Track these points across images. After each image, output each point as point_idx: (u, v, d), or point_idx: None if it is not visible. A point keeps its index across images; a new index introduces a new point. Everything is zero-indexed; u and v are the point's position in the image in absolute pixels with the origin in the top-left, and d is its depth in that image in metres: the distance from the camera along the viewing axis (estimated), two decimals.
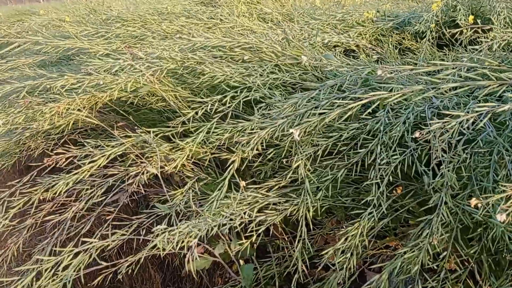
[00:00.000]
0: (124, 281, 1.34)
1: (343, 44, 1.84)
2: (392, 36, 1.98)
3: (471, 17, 1.37)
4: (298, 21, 1.99)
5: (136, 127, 1.38)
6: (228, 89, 1.32)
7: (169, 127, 1.27)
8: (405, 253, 0.83)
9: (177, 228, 0.86)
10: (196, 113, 1.20)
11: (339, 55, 1.80)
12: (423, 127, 1.16)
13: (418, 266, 0.81)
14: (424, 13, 1.88)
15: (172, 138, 1.22)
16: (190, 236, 0.85)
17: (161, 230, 0.87)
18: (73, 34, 1.80)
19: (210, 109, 1.26)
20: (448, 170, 0.92)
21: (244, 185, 1.00)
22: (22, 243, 1.04)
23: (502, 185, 0.66)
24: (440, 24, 1.83)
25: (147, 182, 1.19)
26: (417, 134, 0.77)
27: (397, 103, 1.18)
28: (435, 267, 0.87)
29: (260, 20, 2.08)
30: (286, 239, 1.24)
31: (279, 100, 1.31)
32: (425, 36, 1.89)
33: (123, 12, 2.01)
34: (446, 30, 1.78)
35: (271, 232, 1.16)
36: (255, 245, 1.12)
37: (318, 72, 1.49)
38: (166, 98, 1.29)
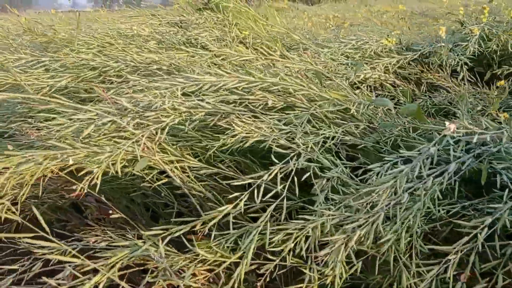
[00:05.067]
0: None
1: (367, 79, 1.45)
2: (415, 69, 1.62)
3: None
4: (306, 49, 1.57)
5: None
6: (266, 160, 0.86)
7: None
8: None
9: None
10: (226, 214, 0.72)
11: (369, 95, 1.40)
12: None
13: None
14: (460, 41, 1.55)
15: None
16: None
17: None
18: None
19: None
20: None
21: None
22: None
23: None
24: (487, 55, 1.50)
25: None
26: None
27: None
28: None
29: (254, 49, 1.64)
30: None
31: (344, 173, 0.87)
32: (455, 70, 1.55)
33: (71, 34, 1.48)
34: (495, 66, 1.45)
35: None
36: None
37: (371, 123, 1.07)
38: (172, 175, 0.81)
